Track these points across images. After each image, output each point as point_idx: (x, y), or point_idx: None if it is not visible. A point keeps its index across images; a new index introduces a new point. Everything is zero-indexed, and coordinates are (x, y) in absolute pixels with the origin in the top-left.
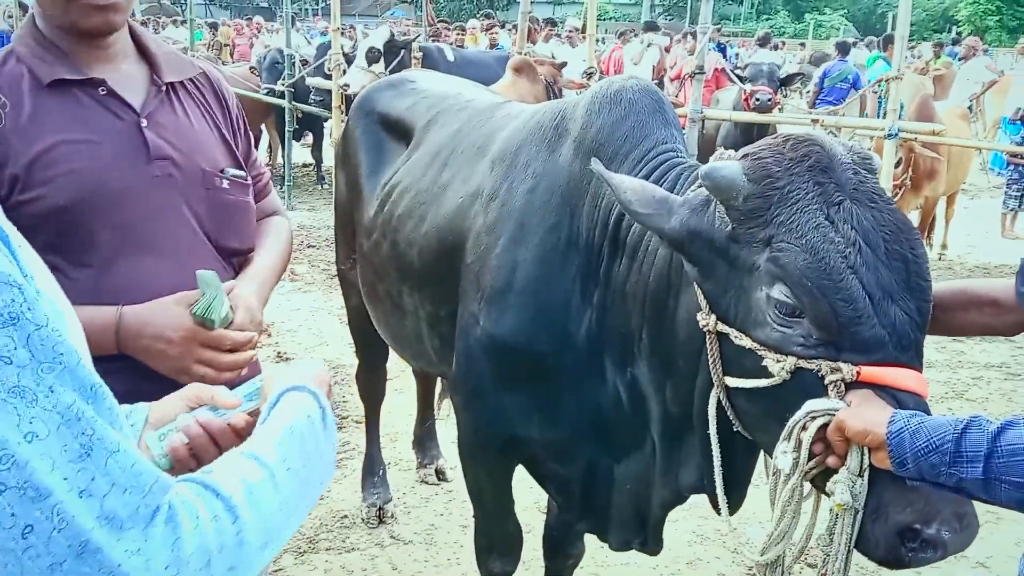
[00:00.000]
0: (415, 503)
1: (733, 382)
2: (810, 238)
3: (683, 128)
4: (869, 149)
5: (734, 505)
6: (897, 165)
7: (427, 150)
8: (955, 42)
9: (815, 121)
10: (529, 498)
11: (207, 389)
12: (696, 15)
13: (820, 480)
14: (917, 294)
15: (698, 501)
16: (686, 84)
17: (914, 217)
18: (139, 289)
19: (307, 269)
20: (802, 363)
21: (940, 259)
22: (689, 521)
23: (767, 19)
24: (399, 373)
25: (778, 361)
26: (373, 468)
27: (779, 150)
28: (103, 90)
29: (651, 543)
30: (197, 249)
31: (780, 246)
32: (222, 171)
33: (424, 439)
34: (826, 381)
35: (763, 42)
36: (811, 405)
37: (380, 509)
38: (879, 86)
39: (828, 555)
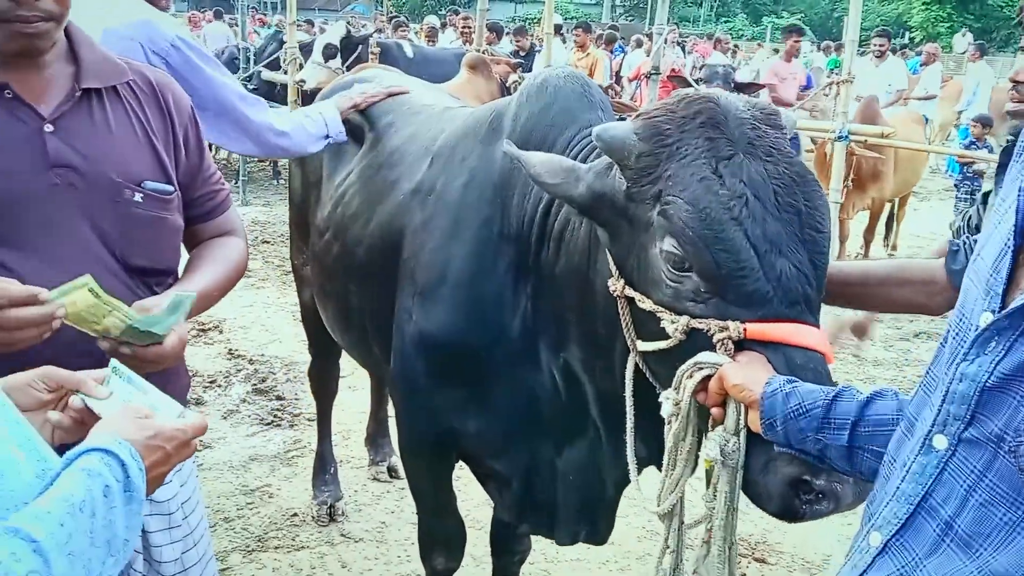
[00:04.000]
0: (366, 501)
1: (643, 346)
2: (693, 190)
3: None
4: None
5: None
6: None
7: (380, 152)
8: (904, 47)
9: None
10: (482, 494)
11: (70, 376)
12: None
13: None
14: (809, 246)
15: (647, 495)
16: (643, 84)
17: (863, 217)
18: None
19: (261, 265)
20: (694, 323)
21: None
22: (640, 516)
23: (726, 21)
24: (352, 371)
25: (673, 322)
26: (324, 466)
27: (672, 108)
28: (8, 93)
29: (602, 530)
30: (93, 264)
31: (668, 199)
32: (139, 184)
33: (377, 436)
34: (715, 339)
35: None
36: (700, 357)
37: (331, 507)
38: (829, 89)
39: (711, 511)
